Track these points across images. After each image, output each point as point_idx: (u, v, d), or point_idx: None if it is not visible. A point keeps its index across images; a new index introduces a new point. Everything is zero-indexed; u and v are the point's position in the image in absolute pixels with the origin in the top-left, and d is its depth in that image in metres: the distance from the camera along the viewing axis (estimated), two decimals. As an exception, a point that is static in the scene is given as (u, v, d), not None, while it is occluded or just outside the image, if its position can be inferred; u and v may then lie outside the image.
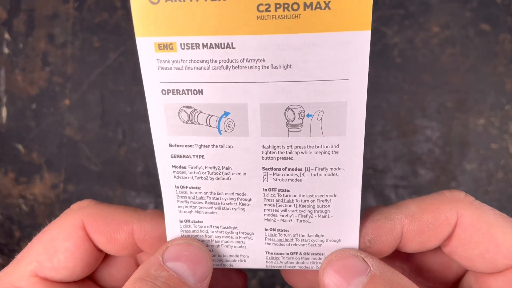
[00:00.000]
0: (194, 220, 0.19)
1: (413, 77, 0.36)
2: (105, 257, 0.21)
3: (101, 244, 0.19)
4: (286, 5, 0.15)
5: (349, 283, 0.17)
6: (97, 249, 0.20)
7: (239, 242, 0.19)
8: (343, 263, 0.18)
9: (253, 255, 0.20)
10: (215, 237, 0.19)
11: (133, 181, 0.38)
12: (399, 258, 0.22)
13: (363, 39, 0.16)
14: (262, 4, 0.15)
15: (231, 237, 0.19)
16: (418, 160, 0.37)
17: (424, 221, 0.18)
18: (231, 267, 0.20)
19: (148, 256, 0.21)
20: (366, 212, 0.19)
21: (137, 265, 0.22)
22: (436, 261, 0.21)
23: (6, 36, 0.38)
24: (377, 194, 0.37)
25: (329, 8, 0.15)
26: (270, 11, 0.16)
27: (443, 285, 0.21)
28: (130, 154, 0.38)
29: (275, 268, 0.20)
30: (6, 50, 0.38)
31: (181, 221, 0.19)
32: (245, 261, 0.20)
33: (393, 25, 0.36)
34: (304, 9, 0.15)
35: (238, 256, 0.20)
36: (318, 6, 0.15)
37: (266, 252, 0.20)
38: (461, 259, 0.19)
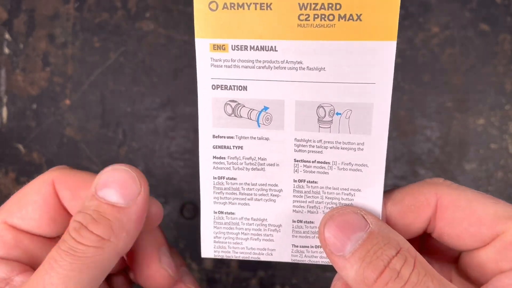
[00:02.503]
0: (227, 212, 0.21)
1: (413, 77, 0.36)
2: None
3: (67, 200, 0.20)
4: (323, 16, 0.18)
5: (348, 238, 0.18)
6: (64, 208, 0.20)
7: (267, 235, 0.21)
8: (344, 218, 0.19)
9: (279, 249, 0.21)
10: (245, 229, 0.21)
11: (133, 181, 0.38)
12: None
13: (389, 48, 0.18)
14: (302, 14, 0.18)
15: (260, 230, 0.21)
16: (418, 160, 0.37)
17: (405, 204, 0.19)
18: (258, 259, 0.21)
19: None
20: None
21: None
22: (433, 245, 0.22)
23: (7, 36, 0.38)
24: (377, 194, 0.37)
25: (361, 20, 0.18)
26: (309, 20, 0.18)
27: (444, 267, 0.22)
28: (130, 154, 0.38)
29: (300, 262, 0.21)
30: (6, 50, 0.38)
31: (215, 212, 0.21)
32: (271, 254, 0.21)
33: (393, 25, 0.36)
34: (339, 20, 0.18)
35: (265, 249, 0.21)
36: (351, 17, 0.18)
37: (292, 245, 0.21)
38: (450, 239, 0.19)
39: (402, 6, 0.36)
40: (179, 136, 0.38)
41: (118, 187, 0.18)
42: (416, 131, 0.37)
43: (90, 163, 0.38)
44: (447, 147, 0.37)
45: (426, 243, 0.22)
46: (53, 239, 0.21)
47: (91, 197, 0.18)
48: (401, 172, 0.37)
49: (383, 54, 0.18)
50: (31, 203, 0.20)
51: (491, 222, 0.18)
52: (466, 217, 0.19)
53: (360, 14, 0.18)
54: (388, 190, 0.20)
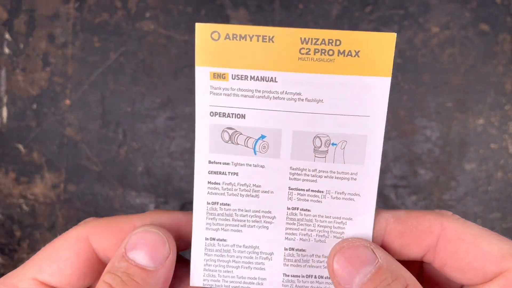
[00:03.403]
0: (219, 239, 0.21)
1: (412, 77, 0.36)
2: None
3: (108, 250, 0.20)
4: (323, 50, 0.19)
5: (357, 271, 0.18)
6: (99, 260, 0.20)
7: (259, 263, 0.21)
8: (354, 251, 0.19)
9: (270, 278, 0.21)
10: (237, 257, 0.21)
11: (133, 181, 0.38)
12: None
13: (384, 84, 0.19)
14: (303, 48, 0.19)
15: (252, 257, 0.21)
16: (417, 160, 0.37)
17: (408, 225, 0.20)
18: None
19: None
20: None
21: None
22: (439, 274, 0.21)
23: (7, 36, 0.38)
24: (377, 194, 0.37)
25: (358, 56, 0.19)
26: (309, 54, 0.19)
27: None
28: (130, 154, 0.38)
29: None
30: (6, 50, 0.38)
31: (206, 239, 0.21)
32: (262, 284, 0.21)
33: (393, 25, 0.36)
34: (338, 55, 0.19)
35: (256, 278, 0.21)
36: (349, 53, 0.19)
37: (284, 274, 0.21)
38: (452, 272, 0.19)
39: (402, 6, 0.36)
40: (179, 136, 0.38)
41: (148, 250, 0.19)
42: (416, 131, 0.37)
43: (90, 163, 0.38)
44: (447, 147, 0.37)
45: (425, 274, 0.22)
46: None
47: (121, 258, 0.18)
48: (401, 172, 0.37)
49: (378, 89, 0.19)
50: (63, 259, 0.20)
51: (495, 259, 0.18)
52: (470, 251, 0.19)
53: (358, 51, 0.19)
54: (395, 210, 0.21)
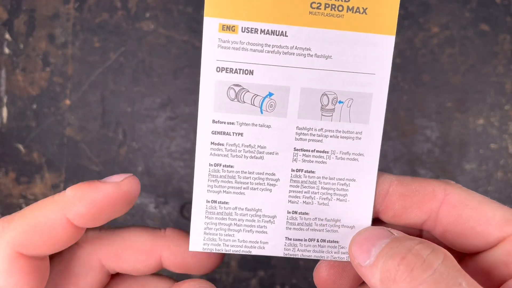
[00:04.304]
0: (220, 201, 0.20)
1: (412, 77, 0.36)
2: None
3: (48, 251, 0.18)
4: (333, 6, 0.19)
5: (374, 245, 0.18)
6: (43, 260, 0.19)
7: (261, 227, 0.20)
8: (370, 232, 0.19)
9: (272, 241, 0.21)
10: (239, 220, 0.20)
11: (133, 181, 0.38)
12: None
13: (388, 42, 0.19)
14: (314, 2, 0.19)
15: (254, 221, 0.20)
16: (417, 160, 0.37)
17: (412, 188, 0.20)
18: (249, 253, 0.21)
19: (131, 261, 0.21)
20: None
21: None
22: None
23: (7, 36, 0.38)
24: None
25: (366, 14, 0.19)
26: (320, 9, 0.19)
27: None
28: (130, 154, 0.38)
29: (292, 256, 0.21)
30: (6, 50, 0.38)
31: (207, 201, 0.20)
32: (264, 247, 0.21)
33: (392, 26, 0.36)
34: (347, 11, 0.19)
35: (258, 242, 0.21)
36: (357, 10, 0.19)
37: (286, 237, 0.21)
38: (455, 238, 0.19)
39: (402, 6, 0.36)
40: (179, 136, 0.38)
41: None
42: (416, 131, 0.37)
43: (90, 163, 0.38)
44: (447, 147, 0.37)
45: None
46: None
47: None
48: (401, 172, 0.37)
49: (383, 47, 0.19)
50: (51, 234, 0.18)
51: (499, 224, 0.18)
52: (474, 216, 0.18)
53: (366, 8, 0.19)
54: (400, 175, 0.21)
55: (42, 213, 0.18)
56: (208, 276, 0.38)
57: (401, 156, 0.37)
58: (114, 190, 0.18)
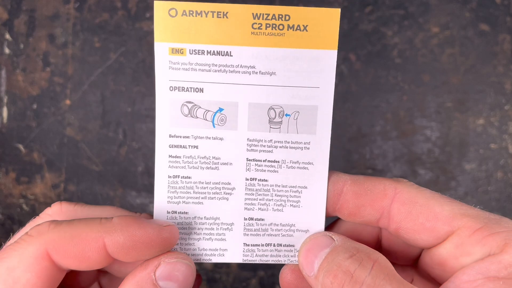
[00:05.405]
0: (180, 211, 0.21)
1: (412, 77, 0.37)
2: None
3: (73, 265, 0.19)
4: (274, 25, 0.20)
5: (316, 256, 0.19)
6: (62, 271, 0.19)
7: (220, 234, 0.22)
8: (313, 242, 0.20)
9: (231, 248, 0.22)
10: (198, 229, 0.21)
11: (133, 181, 0.38)
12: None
13: (331, 56, 0.20)
14: (256, 23, 0.20)
15: (213, 229, 0.21)
16: (417, 160, 0.37)
17: (364, 186, 0.21)
18: (209, 261, 0.22)
19: (129, 265, 0.21)
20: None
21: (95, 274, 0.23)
22: (397, 242, 0.22)
23: (7, 36, 0.38)
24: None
25: (307, 31, 0.20)
26: (261, 29, 0.20)
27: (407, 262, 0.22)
28: (130, 154, 0.38)
29: (251, 262, 0.22)
30: (7, 51, 0.38)
31: (168, 212, 0.21)
32: (223, 255, 0.22)
33: (392, 26, 0.36)
34: (288, 30, 0.20)
35: (217, 250, 0.22)
36: (298, 28, 0.20)
37: (244, 244, 0.22)
38: (407, 234, 0.20)
39: (402, 7, 0.36)
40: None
41: (181, 283, 0.19)
42: (415, 131, 0.37)
43: (90, 163, 0.38)
44: (447, 147, 0.37)
45: (384, 244, 0.23)
46: None
47: (152, 285, 0.19)
48: (401, 172, 0.37)
49: (325, 62, 0.20)
50: (22, 282, 0.18)
51: (447, 218, 0.19)
52: (423, 212, 0.19)
53: (306, 25, 0.20)
54: (355, 175, 0.22)
55: (85, 228, 0.19)
56: (208, 276, 0.38)
57: (401, 156, 0.37)
58: (154, 232, 0.19)
